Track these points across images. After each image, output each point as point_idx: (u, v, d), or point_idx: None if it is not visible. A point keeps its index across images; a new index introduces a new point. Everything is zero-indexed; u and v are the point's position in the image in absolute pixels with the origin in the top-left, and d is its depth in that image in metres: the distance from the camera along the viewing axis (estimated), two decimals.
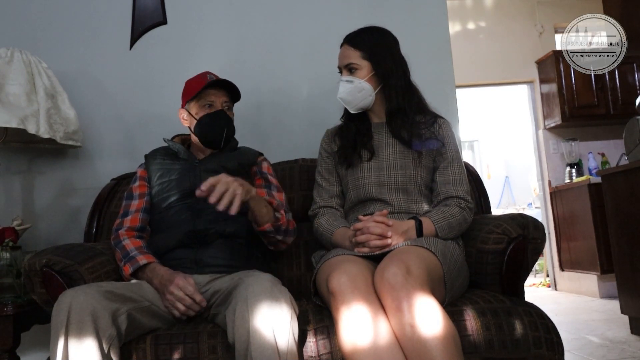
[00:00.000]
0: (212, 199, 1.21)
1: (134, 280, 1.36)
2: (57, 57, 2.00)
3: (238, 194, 1.23)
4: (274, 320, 1.07)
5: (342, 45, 1.55)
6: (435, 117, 1.55)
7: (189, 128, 1.61)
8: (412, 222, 1.37)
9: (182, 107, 1.62)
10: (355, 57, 1.50)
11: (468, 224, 1.44)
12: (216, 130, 1.55)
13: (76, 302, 1.08)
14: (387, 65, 1.50)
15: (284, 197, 1.60)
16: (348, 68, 1.51)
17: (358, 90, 1.50)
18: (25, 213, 1.96)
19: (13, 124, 1.61)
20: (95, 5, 2.11)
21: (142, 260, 1.36)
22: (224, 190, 1.22)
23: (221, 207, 1.21)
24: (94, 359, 1.04)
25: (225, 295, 1.23)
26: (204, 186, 1.22)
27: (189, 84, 1.61)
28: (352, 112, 1.54)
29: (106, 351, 1.07)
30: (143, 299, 1.24)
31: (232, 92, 1.61)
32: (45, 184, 2.02)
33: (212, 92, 1.56)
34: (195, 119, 1.56)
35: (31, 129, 1.65)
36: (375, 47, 1.50)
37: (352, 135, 1.55)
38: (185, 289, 1.27)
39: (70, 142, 1.82)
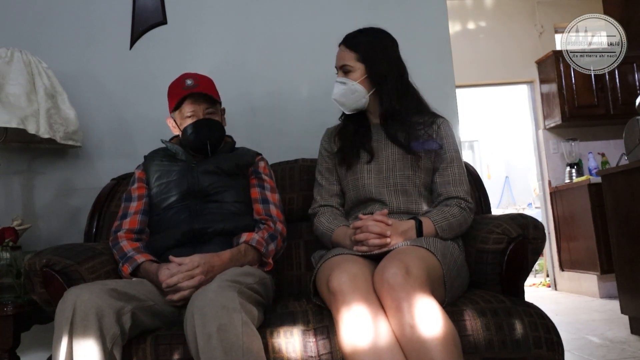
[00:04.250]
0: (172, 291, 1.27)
1: (134, 279, 1.36)
2: (57, 57, 2.00)
3: (190, 287, 1.26)
4: (220, 333, 1.02)
5: (339, 45, 1.55)
6: (434, 117, 1.54)
7: (179, 135, 1.61)
8: (412, 222, 1.37)
9: (170, 113, 1.62)
10: (349, 58, 1.50)
11: (468, 224, 1.44)
12: (200, 141, 1.55)
13: (81, 300, 1.08)
14: (382, 68, 1.49)
15: (278, 197, 1.60)
16: (343, 69, 1.52)
17: (351, 92, 1.50)
18: (25, 213, 1.96)
19: (13, 124, 1.61)
20: (95, 5, 2.11)
21: (140, 258, 1.37)
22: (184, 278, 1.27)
23: (176, 297, 1.26)
24: (97, 358, 1.04)
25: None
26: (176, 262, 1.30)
27: (170, 90, 1.60)
28: (347, 112, 1.55)
29: (110, 350, 1.07)
30: (147, 299, 1.24)
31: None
32: (45, 184, 2.02)
33: (190, 101, 1.55)
34: (180, 130, 1.57)
35: (31, 129, 1.65)
36: (371, 50, 1.50)
37: (350, 135, 1.55)
38: (170, 280, 1.26)
39: (70, 142, 1.82)
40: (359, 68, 1.50)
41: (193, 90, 1.53)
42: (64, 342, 1.05)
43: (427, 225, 1.37)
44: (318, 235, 1.54)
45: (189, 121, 1.55)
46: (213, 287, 1.11)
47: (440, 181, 1.48)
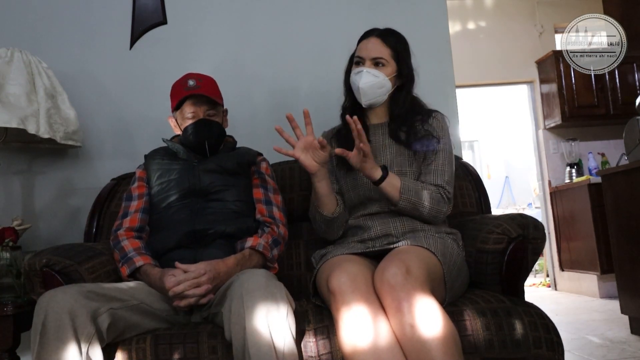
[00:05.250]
0: (178, 302, 1.26)
1: (131, 281, 1.36)
2: (57, 57, 2.00)
3: (197, 295, 1.25)
4: (269, 317, 1.07)
5: (368, 37, 1.53)
6: (430, 112, 1.55)
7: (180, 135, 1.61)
8: (379, 170, 1.37)
9: (172, 112, 1.62)
10: (386, 53, 1.50)
11: (440, 210, 1.41)
12: (198, 142, 1.55)
13: (54, 301, 1.08)
14: (409, 70, 1.52)
15: (280, 199, 1.60)
16: (375, 61, 1.49)
17: (379, 86, 1.49)
18: (25, 213, 1.96)
19: (13, 124, 1.61)
20: (95, 5, 2.11)
21: (139, 261, 1.36)
22: (190, 286, 1.25)
23: (182, 303, 1.25)
24: (71, 358, 1.04)
25: (223, 293, 1.23)
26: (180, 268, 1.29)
27: (172, 89, 1.60)
28: (363, 105, 1.52)
29: (85, 350, 1.07)
30: (131, 298, 1.24)
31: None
32: (45, 184, 2.02)
33: (190, 102, 1.54)
34: (181, 130, 1.58)
35: (31, 129, 1.65)
36: (401, 51, 1.52)
37: (350, 140, 1.55)
38: (177, 288, 1.25)
39: (70, 142, 1.81)
40: (392, 65, 1.50)
41: (194, 92, 1.53)
42: (37, 343, 1.05)
43: (393, 177, 1.37)
44: (312, 220, 1.53)
45: (189, 122, 1.55)
46: (262, 272, 1.18)
47: (423, 170, 1.48)
